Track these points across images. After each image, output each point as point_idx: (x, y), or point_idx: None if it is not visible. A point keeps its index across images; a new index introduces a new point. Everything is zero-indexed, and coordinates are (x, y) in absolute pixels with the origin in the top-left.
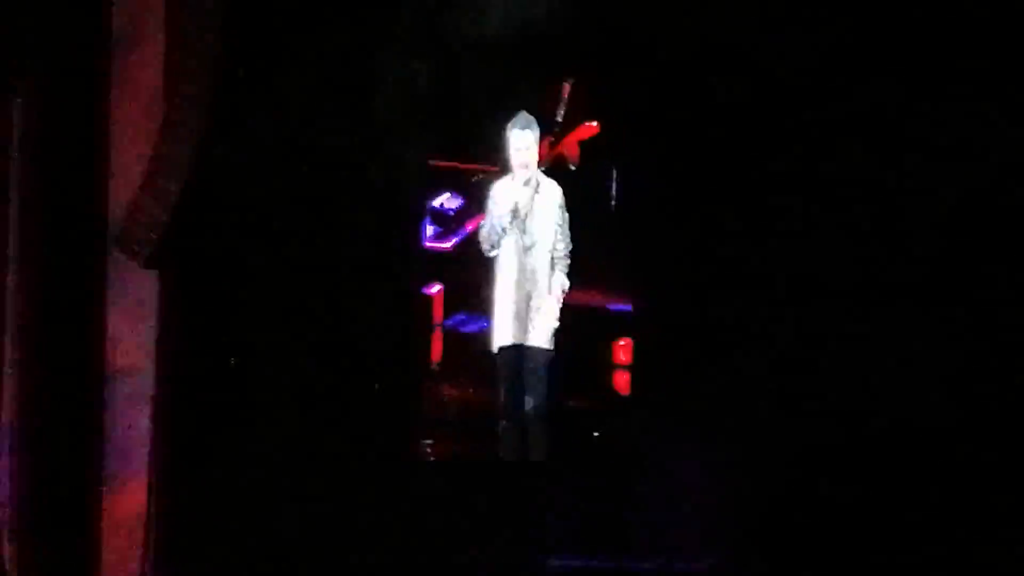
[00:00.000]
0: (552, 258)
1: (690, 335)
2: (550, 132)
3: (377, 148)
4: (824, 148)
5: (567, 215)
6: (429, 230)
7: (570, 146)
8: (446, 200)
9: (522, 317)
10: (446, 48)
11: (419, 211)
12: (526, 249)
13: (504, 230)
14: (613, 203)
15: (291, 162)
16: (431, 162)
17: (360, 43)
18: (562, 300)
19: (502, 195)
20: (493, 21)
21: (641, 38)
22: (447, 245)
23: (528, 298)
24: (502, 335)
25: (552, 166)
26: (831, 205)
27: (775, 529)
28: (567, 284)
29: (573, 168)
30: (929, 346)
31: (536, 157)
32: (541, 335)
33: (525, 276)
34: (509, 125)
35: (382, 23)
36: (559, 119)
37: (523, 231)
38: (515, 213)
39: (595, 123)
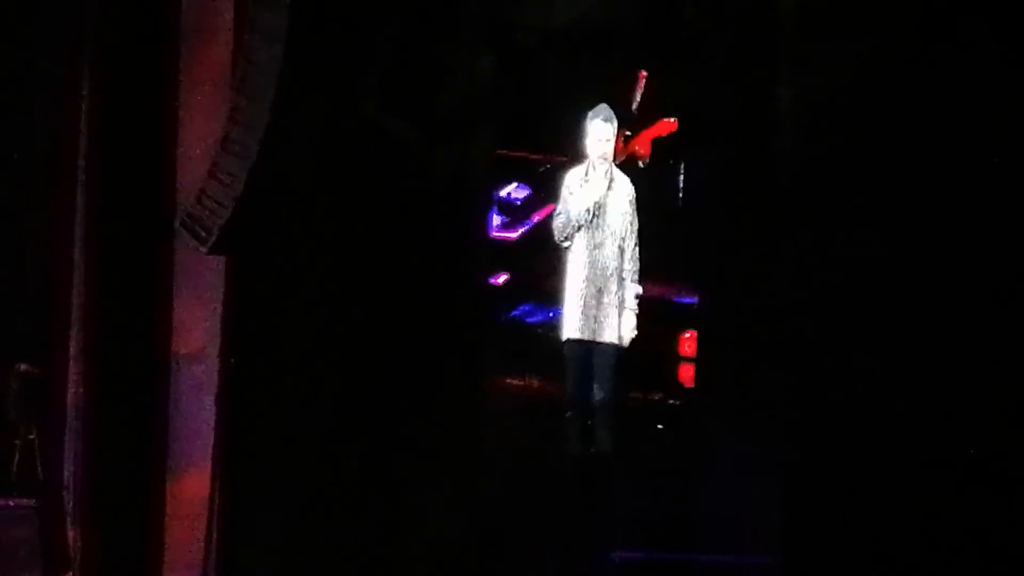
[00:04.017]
0: (621, 254)
1: (755, 328)
2: (624, 126)
3: (444, 138)
4: (897, 148)
5: (636, 212)
6: (496, 220)
7: (644, 143)
8: (513, 190)
9: (591, 313)
10: (513, 38)
11: (486, 201)
12: (598, 245)
13: (580, 226)
14: (680, 196)
15: (356, 151)
16: (498, 152)
17: (427, 33)
18: (637, 307)
19: (577, 187)
20: (561, 11)
21: (709, 33)
22: (513, 235)
23: (599, 294)
24: (571, 329)
25: (624, 162)
26: (899, 203)
27: (839, 525)
28: (640, 291)
29: (643, 166)
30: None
31: (613, 150)
32: (611, 333)
33: (595, 272)
34: (590, 115)
35: (449, 13)
36: (634, 112)
37: (596, 227)
38: (592, 210)
39: (673, 119)
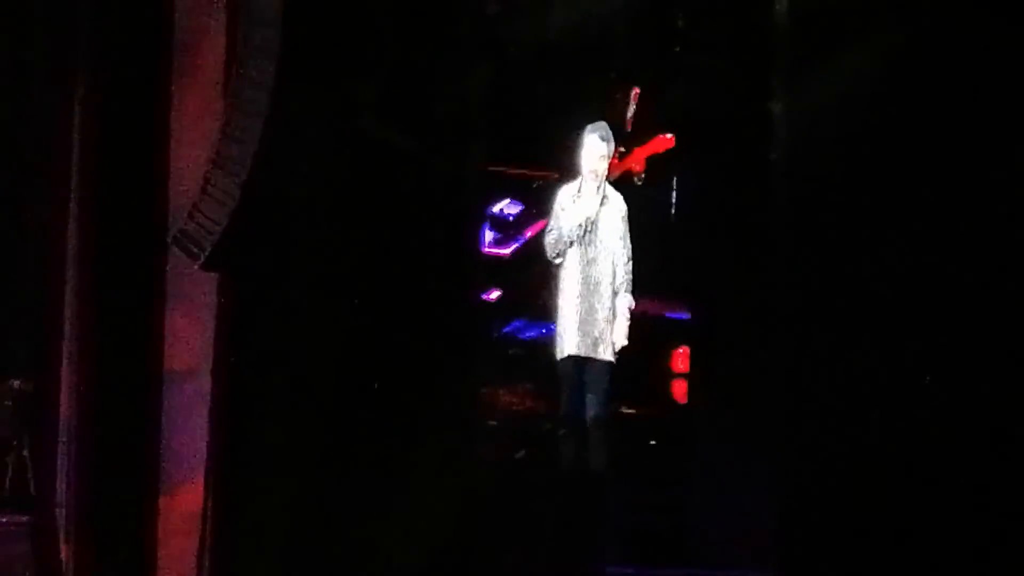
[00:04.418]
0: (614, 271)
1: (748, 344)
2: (619, 142)
3: (436, 153)
4: (891, 162)
5: (629, 228)
6: (488, 236)
7: (639, 160)
8: (505, 206)
9: (586, 330)
10: (508, 53)
11: (478, 217)
12: (591, 261)
13: (572, 243)
14: (673, 211)
15: (349, 166)
16: (490, 168)
17: (419, 48)
18: (629, 318)
19: (569, 203)
20: (556, 26)
21: (701, 47)
22: (506, 251)
23: (592, 311)
24: (566, 346)
25: (619, 179)
26: (894, 216)
27: (831, 542)
28: (632, 303)
29: (639, 182)
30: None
31: (607, 168)
32: (606, 349)
33: (588, 288)
34: (588, 130)
35: (444, 27)
36: (628, 129)
37: (589, 243)
38: (584, 227)
39: (670, 136)
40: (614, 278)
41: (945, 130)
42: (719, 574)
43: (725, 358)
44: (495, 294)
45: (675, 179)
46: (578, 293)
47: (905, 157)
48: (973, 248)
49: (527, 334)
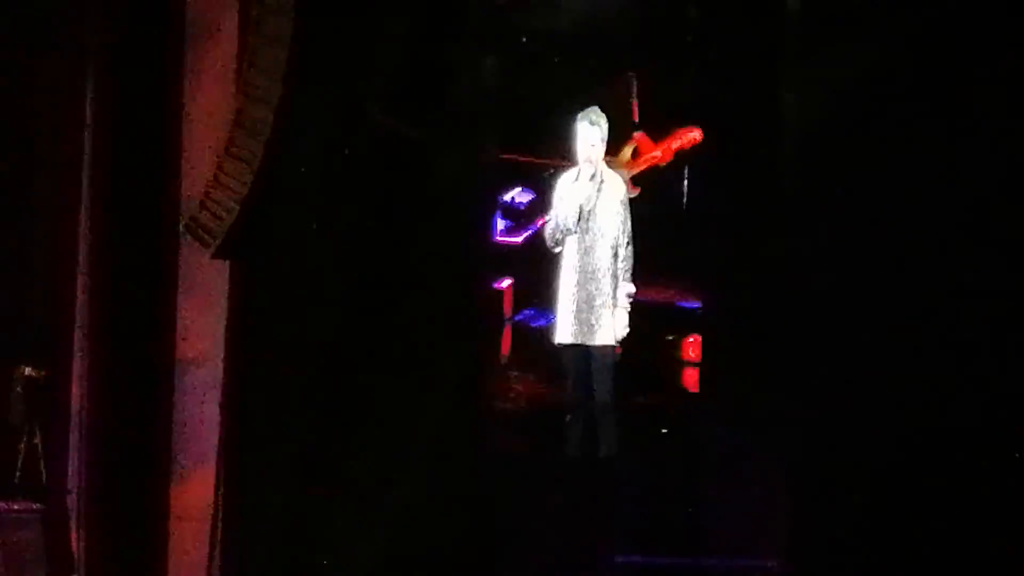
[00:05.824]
0: (615, 255)
1: (759, 332)
2: (626, 130)
3: (448, 142)
4: (902, 152)
5: (629, 211)
6: (500, 224)
7: (667, 156)
8: (517, 194)
9: (584, 317)
10: (519, 41)
11: (490, 205)
12: (588, 249)
13: (569, 230)
14: (685, 200)
15: (361, 155)
16: (502, 156)
17: (432, 36)
18: (629, 306)
19: (567, 191)
20: (567, 15)
21: (713, 37)
22: (518, 239)
23: (590, 298)
24: (564, 334)
25: (645, 172)
26: (904, 206)
27: (842, 531)
28: (633, 289)
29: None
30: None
31: (602, 153)
32: (606, 335)
33: (586, 276)
34: (579, 117)
35: (454, 16)
36: (635, 118)
37: (585, 230)
38: (580, 214)
39: (698, 130)
40: (615, 263)
41: (956, 119)
42: (730, 563)
43: (736, 347)
44: (507, 282)
45: (687, 167)
46: (575, 281)
47: (916, 146)
48: (982, 238)
49: (538, 322)
